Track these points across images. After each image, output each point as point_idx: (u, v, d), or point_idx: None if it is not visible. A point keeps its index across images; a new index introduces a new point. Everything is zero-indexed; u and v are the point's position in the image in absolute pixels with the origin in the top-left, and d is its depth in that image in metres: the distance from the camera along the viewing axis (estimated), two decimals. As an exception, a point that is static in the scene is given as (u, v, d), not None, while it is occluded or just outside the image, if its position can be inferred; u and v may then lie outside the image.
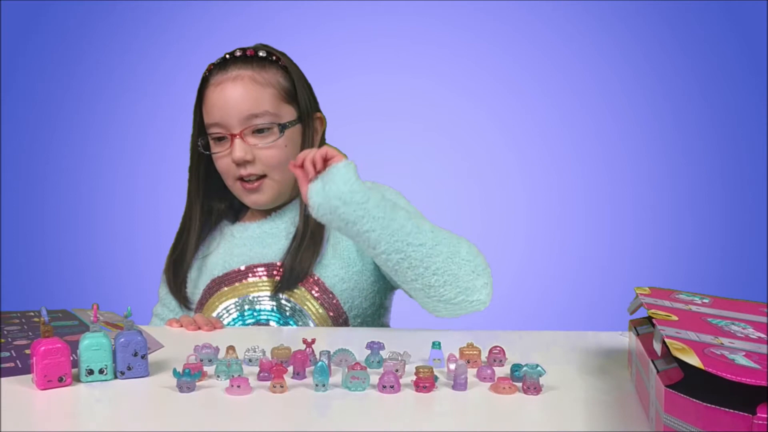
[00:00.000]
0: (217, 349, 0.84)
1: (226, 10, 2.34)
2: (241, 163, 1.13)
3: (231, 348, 0.83)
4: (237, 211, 1.25)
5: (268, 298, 1.12)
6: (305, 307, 1.11)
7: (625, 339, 0.93)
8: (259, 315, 1.12)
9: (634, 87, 2.34)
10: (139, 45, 2.38)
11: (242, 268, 1.15)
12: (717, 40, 2.29)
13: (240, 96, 1.12)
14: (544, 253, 2.36)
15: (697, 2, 2.27)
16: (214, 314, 1.13)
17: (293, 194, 1.20)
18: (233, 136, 1.13)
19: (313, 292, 1.12)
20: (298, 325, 1.11)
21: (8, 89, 2.37)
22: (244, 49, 1.17)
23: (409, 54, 2.33)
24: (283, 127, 1.14)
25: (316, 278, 1.12)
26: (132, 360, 0.77)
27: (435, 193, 2.28)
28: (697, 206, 2.32)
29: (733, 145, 2.32)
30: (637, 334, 0.74)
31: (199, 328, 1.04)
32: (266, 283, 1.13)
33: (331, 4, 2.33)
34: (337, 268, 1.14)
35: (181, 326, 1.05)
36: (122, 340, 0.77)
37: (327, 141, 1.25)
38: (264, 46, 1.19)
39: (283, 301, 1.11)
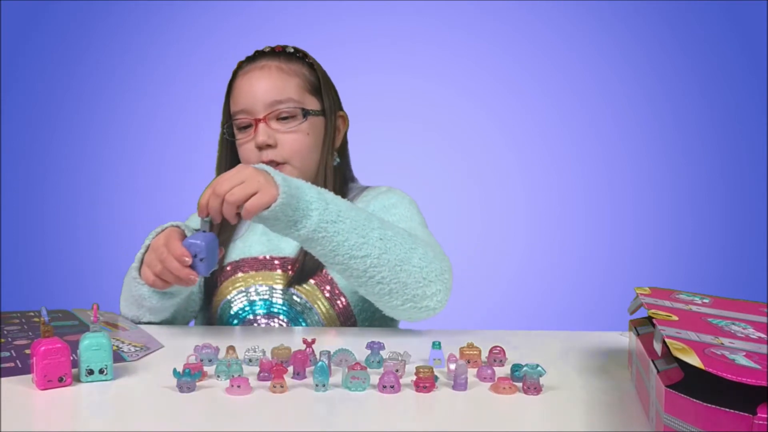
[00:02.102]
0: (217, 349, 0.84)
1: (226, 10, 2.34)
2: (263, 148, 1.15)
3: (231, 348, 0.83)
4: None
5: (280, 292, 1.13)
6: (315, 306, 1.12)
7: (625, 339, 0.93)
8: (271, 307, 1.13)
9: (634, 87, 2.34)
10: (139, 45, 2.38)
11: (259, 257, 1.17)
12: (717, 40, 2.29)
13: (266, 82, 1.16)
14: (544, 253, 2.36)
15: (697, 2, 2.27)
16: (228, 297, 1.15)
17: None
18: (257, 121, 1.15)
19: (325, 291, 1.13)
20: (306, 322, 1.12)
21: (8, 89, 2.37)
22: (273, 47, 1.22)
23: (409, 54, 2.34)
24: (306, 113, 1.17)
25: (328, 277, 1.13)
26: (193, 260, 0.89)
27: (435, 193, 2.28)
28: (697, 206, 2.32)
29: (733, 145, 2.32)
30: (637, 334, 0.74)
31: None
32: (280, 276, 1.14)
33: (331, 4, 2.33)
34: None
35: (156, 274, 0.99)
36: (191, 241, 0.89)
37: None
38: (292, 46, 1.23)
39: (295, 297, 1.12)
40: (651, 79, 2.33)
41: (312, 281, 1.13)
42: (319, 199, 0.92)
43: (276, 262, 1.16)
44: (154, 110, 2.36)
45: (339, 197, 0.97)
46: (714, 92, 2.31)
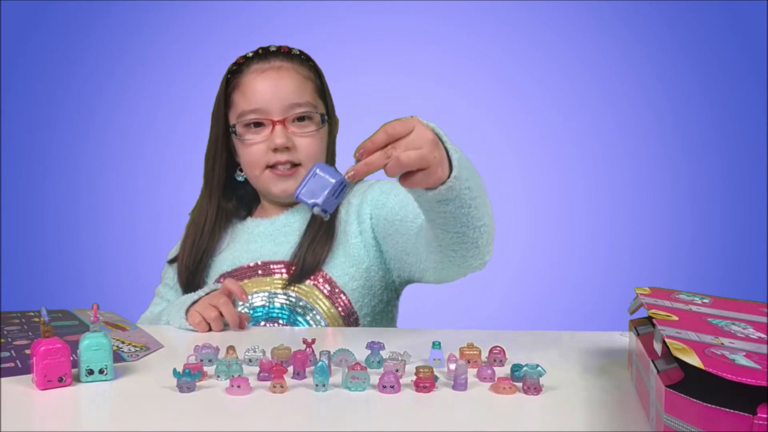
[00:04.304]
0: (217, 349, 0.84)
1: (226, 10, 2.34)
2: (280, 150, 1.14)
3: (231, 348, 0.83)
4: (247, 209, 1.26)
5: (277, 296, 1.13)
6: (317, 306, 1.12)
7: (625, 339, 0.93)
8: (270, 312, 1.12)
9: (634, 87, 2.34)
10: (139, 45, 2.38)
11: (251, 264, 1.16)
12: (717, 40, 2.29)
13: (285, 84, 1.15)
14: (544, 253, 2.36)
15: (697, 2, 2.27)
16: None
17: None
18: (275, 122, 1.14)
19: (324, 290, 1.12)
20: (308, 323, 1.12)
21: (8, 89, 2.37)
22: (278, 47, 1.21)
23: (409, 54, 2.33)
24: (323, 119, 1.18)
25: (326, 276, 1.13)
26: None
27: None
28: (697, 206, 2.32)
29: (733, 145, 2.32)
30: (637, 334, 0.74)
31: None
32: (277, 281, 1.14)
33: (330, 4, 2.33)
34: (347, 266, 1.14)
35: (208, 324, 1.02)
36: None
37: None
38: (297, 49, 1.23)
39: (293, 299, 1.12)
40: (651, 79, 2.33)
41: (309, 282, 1.13)
42: (468, 168, 0.85)
43: (272, 266, 1.15)
44: (154, 110, 2.36)
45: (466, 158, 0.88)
46: (714, 92, 2.31)
